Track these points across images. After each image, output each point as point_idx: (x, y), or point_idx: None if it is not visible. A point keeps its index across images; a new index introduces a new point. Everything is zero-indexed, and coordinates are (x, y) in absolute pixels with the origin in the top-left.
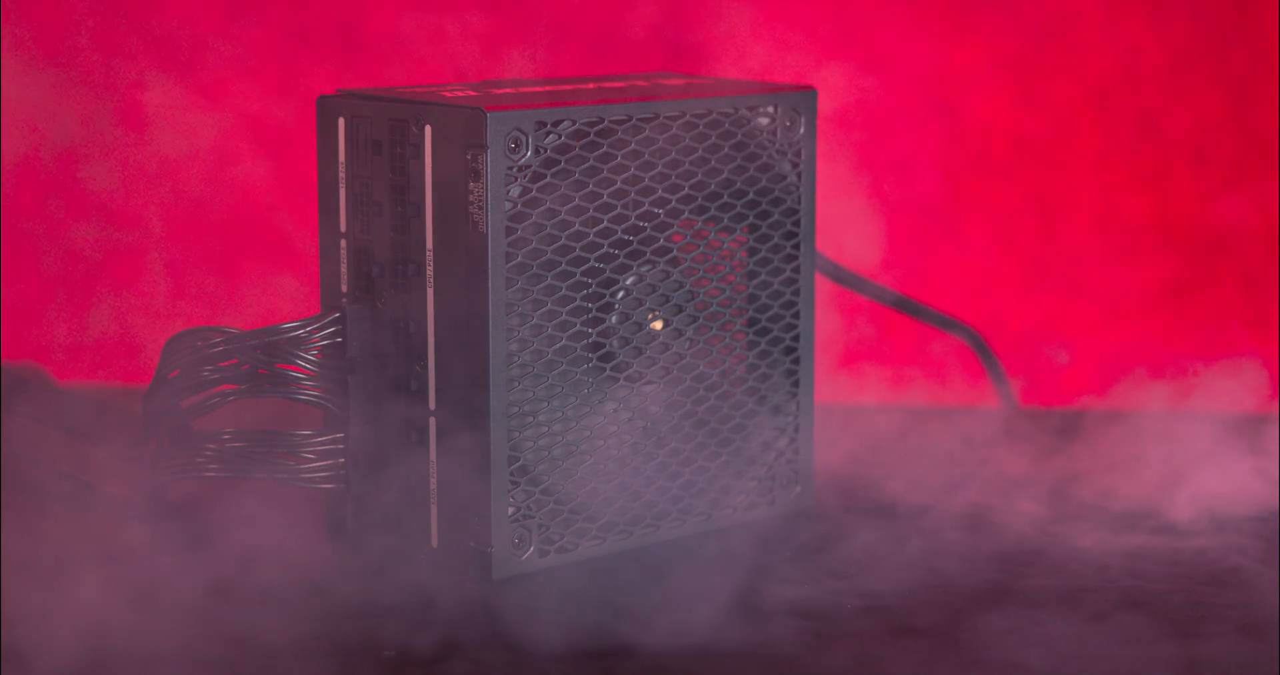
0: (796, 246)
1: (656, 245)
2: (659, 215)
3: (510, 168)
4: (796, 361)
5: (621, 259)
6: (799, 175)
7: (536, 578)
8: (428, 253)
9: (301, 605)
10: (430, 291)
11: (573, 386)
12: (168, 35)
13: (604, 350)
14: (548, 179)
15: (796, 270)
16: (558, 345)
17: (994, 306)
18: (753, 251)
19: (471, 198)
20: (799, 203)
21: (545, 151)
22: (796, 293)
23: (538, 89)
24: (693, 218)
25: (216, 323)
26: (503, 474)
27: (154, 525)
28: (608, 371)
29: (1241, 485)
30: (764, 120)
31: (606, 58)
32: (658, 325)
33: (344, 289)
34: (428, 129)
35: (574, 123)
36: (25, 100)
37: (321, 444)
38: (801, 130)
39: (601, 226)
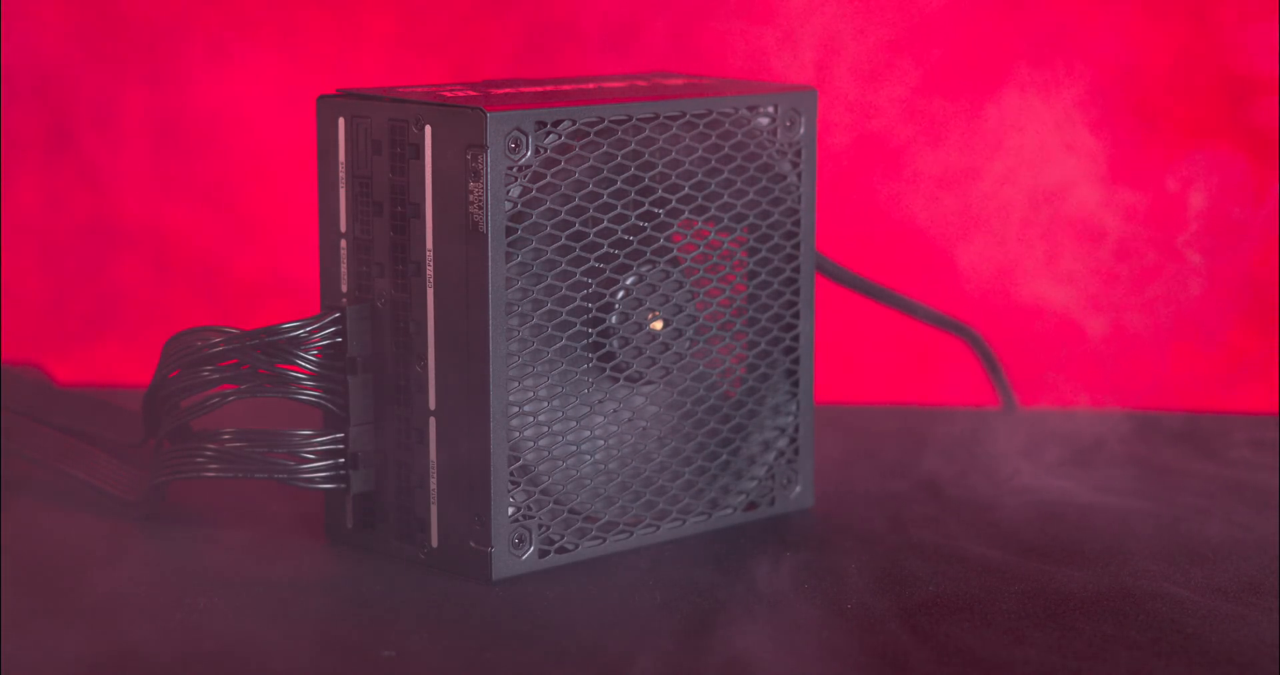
0: (796, 246)
1: (656, 245)
2: (659, 215)
3: (510, 168)
4: (796, 361)
5: (621, 259)
6: (799, 175)
7: (536, 578)
8: (428, 253)
9: (301, 605)
10: (430, 291)
11: (573, 386)
12: (166, 34)
13: (604, 350)
14: (548, 179)
15: (796, 270)
16: (558, 345)
17: (994, 306)
18: (753, 251)
19: (471, 198)
20: (799, 203)
21: (545, 151)
22: (796, 293)
23: (538, 89)
24: (693, 218)
25: (216, 323)
26: (503, 474)
27: (153, 525)
28: (608, 371)
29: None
30: (764, 120)
31: (607, 58)
32: (658, 325)
33: (344, 289)
34: (428, 129)
35: (574, 123)
36: (25, 99)
37: (321, 444)
38: (801, 130)
39: (601, 226)
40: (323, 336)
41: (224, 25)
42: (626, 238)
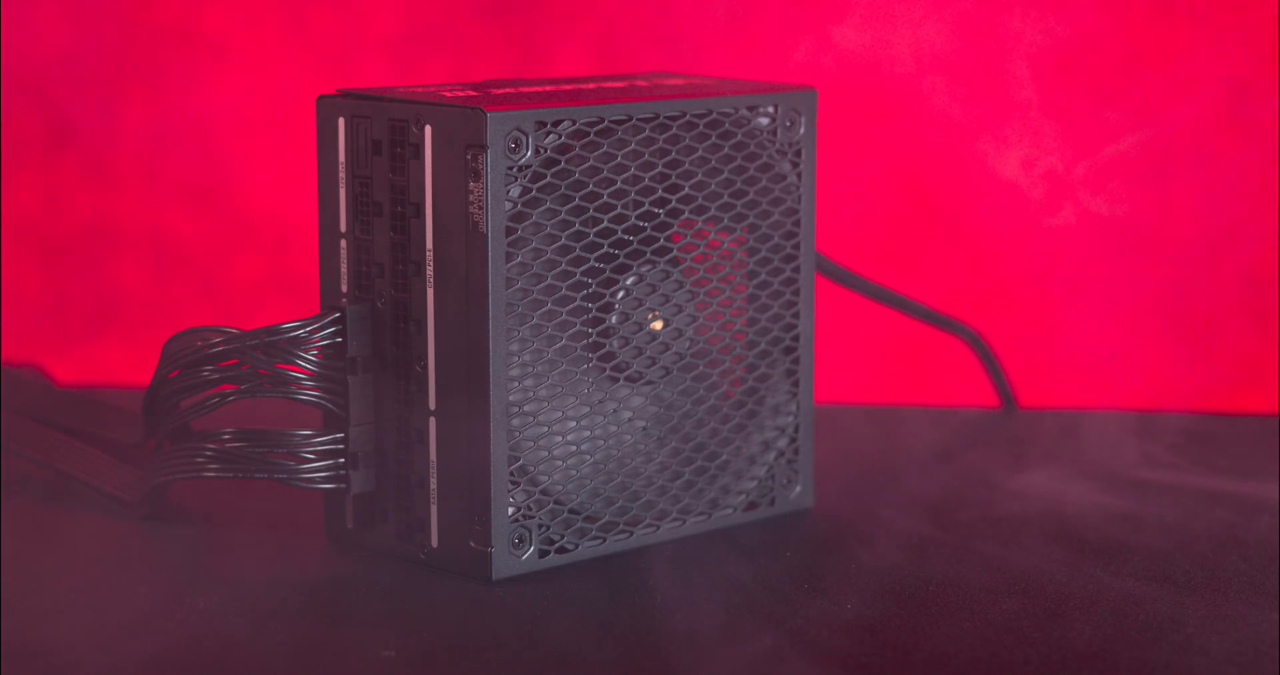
0: (796, 246)
1: (656, 245)
2: (659, 215)
3: (510, 168)
4: (796, 361)
5: (621, 259)
6: (799, 175)
7: (536, 578)
8: (428, 253)
9: (301, 605)
10: (430, 291)
11: (573, 386)
12: (167, 34)
13: (604, 350)
14: (548, 179)
15: (796, 270)
16: (558, 345)
17: (994, 306)
18: (753, 251)
19: (471, 198)
20: (799, 203)
21: (545, 151)
22: (796, 293)
23: (538, 89)
24: (693, 218)
25: (216, 323)
26: (503, 474)
27: (153, 525)
28: (608, 371)
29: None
30: (764, 120)
31: (606, 58)
32: (658, 325)
33: (344, 289)
34: (428, 129)
35: (574, 123)
36: (25, 99)
37: (321, 444)
38: (801, 130)
39: (601, 226)
40: (323, 336)
41: (224, 25)
42: (626, 238)
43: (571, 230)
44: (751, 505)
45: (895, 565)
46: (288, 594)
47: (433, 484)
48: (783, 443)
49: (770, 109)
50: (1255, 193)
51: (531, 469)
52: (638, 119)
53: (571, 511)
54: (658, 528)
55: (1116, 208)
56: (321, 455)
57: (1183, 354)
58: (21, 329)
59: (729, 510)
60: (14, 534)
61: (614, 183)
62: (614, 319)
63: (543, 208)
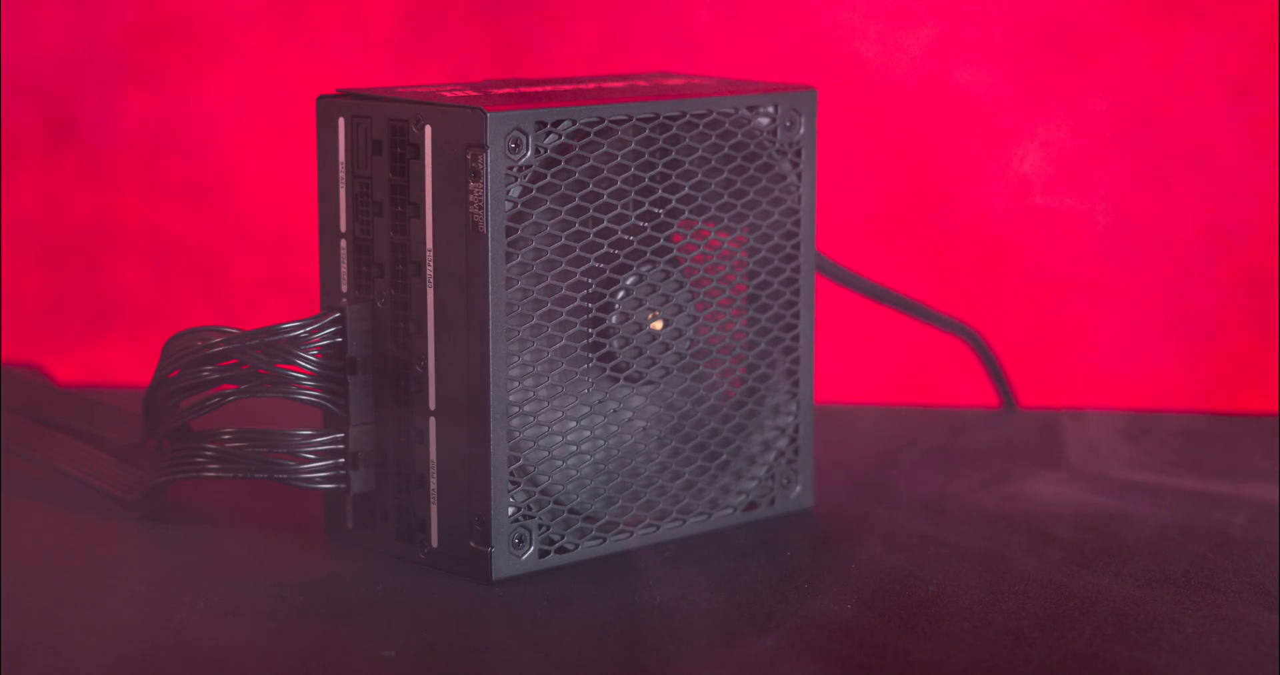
0: (796, 246)
1: (656, 245)
2: (659, 215)
3: (510, 168)
4: (796, 361)
5: (621, 259)
6: (799, 175)
7: (536, 578)
8: (428, 253)
9: (301, 605)
10: (430, 291)
11: (573, 386)
12: (167, 34)
13: (604, 350)
14: (548, 179)
15: (796, 270)
16: (558, 345)
17: (994, 306)
18: (753, 251)
19: (471, 198)
20: (799, 203)
21: (545, 151)
22: (796, 293)
23: (538, 89)
24: (693, 218)
25: (216, 323)
26: (503, 474)
27: (153, 525)
28: (608, 371)
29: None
30: (764, 120)
31: (606, 58)
32: (658, 325)
33: (344, 289)
34: (428, 129)
35: (574, 123)
36: (25, 99)
37: (321, 444)
38: (801, 130)
39: (601, 226)
40: (323, 336)
41: (224, 25)
42: (626, 238)
43: (571, 230)
44: (751, 505)
45: (894, 566)
46: (288, 594)
47: (433, 484)
48: (783, 443)
49: (770, 109)
50: (1255, 193)
51: (531, 469)
52: (638, 119)
53: (571, 511)
54: (658, 528)
55: (1116, 207)
56: (321, 455)
57: (1182, 354)
58: (21, 329)
59: (729, 510)
60: (14, 534)
61: (614, 183)
62: (614, 319)
63: (543, 208)
